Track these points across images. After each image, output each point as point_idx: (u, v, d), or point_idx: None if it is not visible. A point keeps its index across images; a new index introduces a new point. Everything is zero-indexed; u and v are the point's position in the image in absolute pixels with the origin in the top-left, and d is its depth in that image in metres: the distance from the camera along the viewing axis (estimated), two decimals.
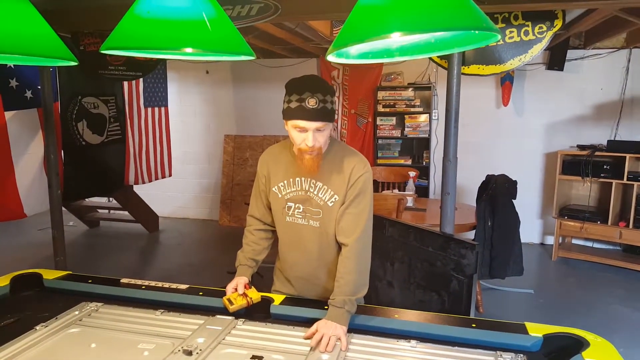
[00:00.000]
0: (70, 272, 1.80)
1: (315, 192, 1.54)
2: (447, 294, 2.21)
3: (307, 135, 1.42)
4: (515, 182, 3.34)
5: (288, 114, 1.44)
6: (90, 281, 1.72)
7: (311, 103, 1.40)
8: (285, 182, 1.57)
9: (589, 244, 4.77)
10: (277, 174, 1.59)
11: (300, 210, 1.56)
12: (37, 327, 1.38)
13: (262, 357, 1.26)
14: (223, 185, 5.77)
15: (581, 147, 4.51)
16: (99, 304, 1.57)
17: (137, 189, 5.27)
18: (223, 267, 3.81)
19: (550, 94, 4.80)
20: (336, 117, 3.65)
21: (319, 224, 1.53)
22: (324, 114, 1.42)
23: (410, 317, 1.49)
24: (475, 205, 3.39)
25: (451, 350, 1.33)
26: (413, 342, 1.36)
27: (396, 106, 4.98)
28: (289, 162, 1.57)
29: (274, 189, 1.59)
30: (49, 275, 1.75)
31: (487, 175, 3.38)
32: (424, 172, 4.97)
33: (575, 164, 4.32)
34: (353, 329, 1.41)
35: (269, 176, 1.61)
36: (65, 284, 1.71)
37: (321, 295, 1.60)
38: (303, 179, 1.55)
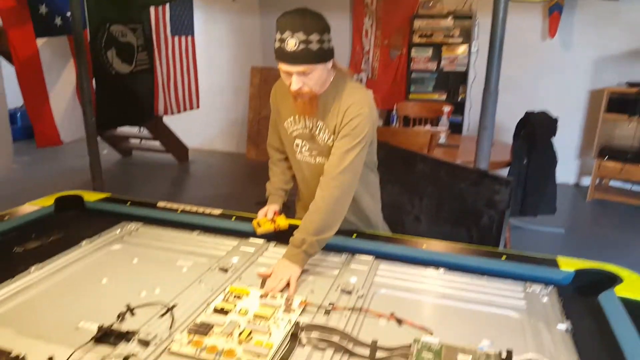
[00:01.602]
0: (110, 195, 1.87)
1: (317, 132, 1.48)
2: (476, 230, 2.21)
3: (292, 78, 1.33)
4: (555, 120, 3.21)
5: (275, 54, 1.33)
6: (128, 203, 1.78)
7: (290, 45, 1.26)
8: (292, 118, 1.52)
9: (628, 186, 4.62)
10: (285, 109, 1.54)
11: (307, 148, 1.53)
12: (83, 243, 1.46)
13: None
14: (250, 119, 5.76)
15: (631, 85, 4.24)
16: (138, 224, 1.64)
17: (166, 120, 5.32)
18: (251, 198, 3.90)
19: (602, 26, 4.45)
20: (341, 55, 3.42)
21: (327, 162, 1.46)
22: (305, 56, 1.28)
23: (439, 248, 1.50)
24: (510, 143, 3.30)
25: (479, 279, 1.34)
26: (441, 270, 1.38)
27: (433, 37, 4.74)
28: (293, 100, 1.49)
29: (284, 124, 1.55)
30: (90, 197, 1.82)
31: (526, 112, 3.25)
32: (459, 108, 4.80)
33: (622, 103, 4.10)
34: (380, 256, 1.43)
35: (278, 111, 1.57)
36: (105, 205, 1.79)
37: (341, 227, 1.60)
38: (306, 117, 1.48)
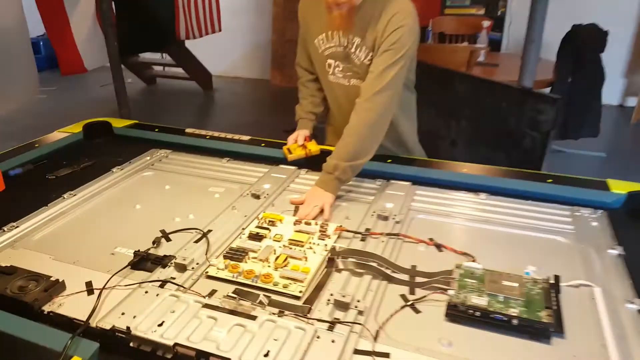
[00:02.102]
0: (137, 122, 1.84)
1: (353, 50, 1.35)
2: (516, 153, 2.10)
3: None
4: (605, 33, 2.94)
5: None
6: (156, 130, 1.74)
7: None
8: (325, 35, 1.39)
9: None
10: (315, 25, 1.41)
11: (341, 69, 1.41)
12: (114, 170, 1.45)
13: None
14: (273, 42, 5.52)
15: None
16: (168, 151, 1.61)
17: (189, 46, 5.16)
18: (278, 126, 3.83)
19: None
20: None
21: (361, 84, 1.34)
22: None
23: (479, 171, 1.42)
24: (553, 60, 3.06)
25: (524, 204, 1.27)
26: (482, 195, 1.31)
27: None
28: (327, 13, 1.35)
29: (314, 41, 1.43)
30: (118, 124, 1.79)
31: (573, 25, 2.97)
32: (498, 24, 4.46)
33: None
34: (417, 182, 1.37)
35: (308, 27, 1.45)
36: (133, 132, 1.76)
37: (376, 153, 1.52)
38: (340, 33, 1.35)
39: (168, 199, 1.32)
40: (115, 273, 0.93)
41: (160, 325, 0.80)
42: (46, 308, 0.85)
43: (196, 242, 1.07)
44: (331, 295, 0.91)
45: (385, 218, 1.19)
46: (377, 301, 0.92)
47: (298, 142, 1.49)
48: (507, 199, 1.29)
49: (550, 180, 1.35)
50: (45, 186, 1.36)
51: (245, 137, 1.65)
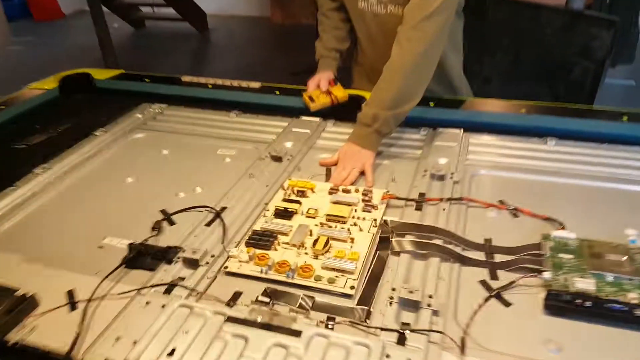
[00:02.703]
0: (124, 71, 1.55)
1: None
2: (563, 87, 1.82)
3: None
4: None
5: None
6: (147, 80, 1.46)
7: None
8: None
9: None
10: None
11: None
12: (97, 133, 1.18)
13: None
14: None
15: None
16: (163, 106, 1.34)
17: None
18: (283, 68, 3.51)
19: None
20: None
21: (401, 11, 1.04)
22: None
23: (542, 111, 1.16)
24: None
25: (599, 148, 1.03)
26: (550, 141, 1.06)
27: None
28: None
29: None
30: (101, 75, 1.50)
31: None
32: None
33: None
34: (470, 128, 1.11)
35: None
36: (119, 84, 1.47)
37: None
38: None
39: (167, 167, 1.07)
40: (106, 277, 0.70)
41: (171, 354, 0.58)
42: (12, 337, 0.61)
43: (208, 224, 0.83)
44: (393, 290, 0.68)
45: (441, 178, 0.94)
46: (453, 293, 0.70)
47: (321, 88, 1.21)
48: (579, 143, 1.04)
49: (625, 118, 1.09)
50: (12, 158, 1.10)
51: (255, 84, 1.36)
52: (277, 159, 1.03)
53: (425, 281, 0.70)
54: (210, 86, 1.38)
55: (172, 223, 0.85)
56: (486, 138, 1.09)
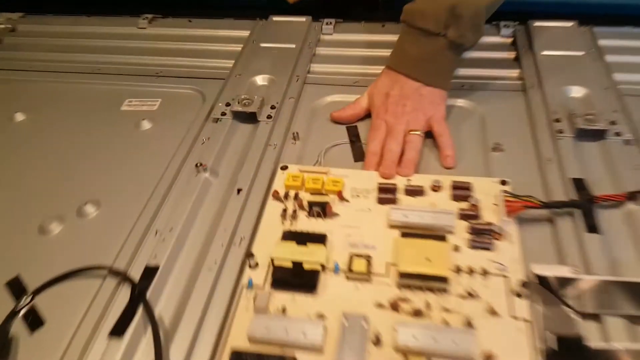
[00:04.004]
0: None
1: None
2: None
3: None
4: None
5: None
6: None
7: None
8: None
9: None
10: None
11: None
12: None
13: None
14: None
15: None
16: (15, 16, 0.74)
17: None
18: None
19: None
20: None
21: None
22: None
23: None
24: None
25: None
26: None
27: None
28: None
29: None
30: None
31: None
32: None
33: None
34: (586, 18, 0.61)
35: None
36: None
37: None
38: None
39: (22, 154, 0.52)
40: None
41: None
42: None
43: (118, 330, 0.33)
44: None
45: (595, 134, 0.46)
46: None
47: None
48: None
49: None
50: None
51: None
52: (247, 117, 0.51)
53: None
54: None
55: (35, 324, 0.35)
56: (622, 33, 0.60)
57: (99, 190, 0.45)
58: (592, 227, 0.38)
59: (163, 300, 0.36)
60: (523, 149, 0.46)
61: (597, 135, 0.45)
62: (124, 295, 0.36)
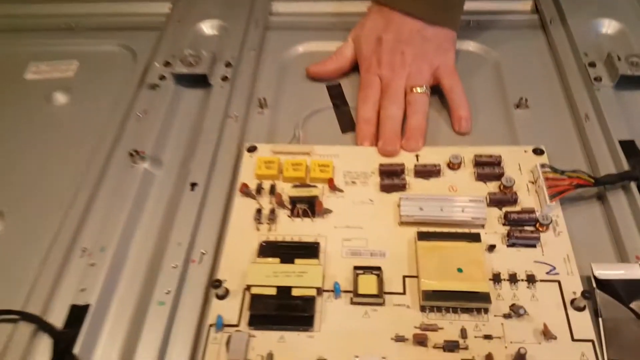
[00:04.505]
0: None
1: None
2: None
3: None
4: None
5: None
6: None
7: None
8: None
9: None
10: None
11: None
12: None
13: None
14: None
15: None
16: None
17: None
18: None
19: None
20: None
21: None
22: None
23: None
24: None
25: None
26: None
27: None
28: None
29: None
30: None
31: None
32: None
33: None
34: None
35: None
36: None
37: None
38: None
39: None
40: None
41: None
42: None
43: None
44: None
45: None
46: None
47: None
48: None
49: None
50: None
51: None
52: (195, 80, 0.38)
53: None
54: None
55: None
56: None
57: None
58: None
59: (99, 352, 0.26)
60: (553, 103, 0.37)
61: None
62: (44, 350, 0.25)
